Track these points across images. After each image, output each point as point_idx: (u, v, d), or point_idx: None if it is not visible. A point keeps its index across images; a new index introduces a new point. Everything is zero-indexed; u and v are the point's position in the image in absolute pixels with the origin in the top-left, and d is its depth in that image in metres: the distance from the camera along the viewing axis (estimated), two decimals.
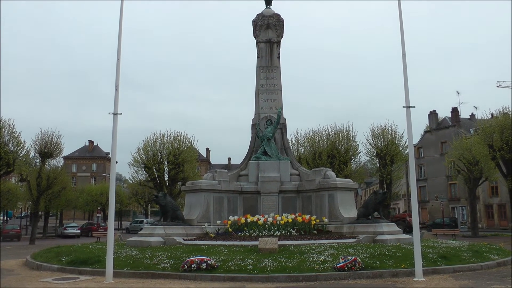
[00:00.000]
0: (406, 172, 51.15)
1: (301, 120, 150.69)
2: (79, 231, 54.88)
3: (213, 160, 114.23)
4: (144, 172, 45.65)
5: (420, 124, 77.36)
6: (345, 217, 22.42)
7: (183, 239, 20.56)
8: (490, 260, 17.12)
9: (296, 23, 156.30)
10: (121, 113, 14.97)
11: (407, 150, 29.00)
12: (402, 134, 43.01)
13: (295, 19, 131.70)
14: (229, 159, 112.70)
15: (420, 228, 17.25)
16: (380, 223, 21.12)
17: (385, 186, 43.41)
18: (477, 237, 38.84)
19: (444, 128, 71.20)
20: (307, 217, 22.33)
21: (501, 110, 40.57)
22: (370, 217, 21.74)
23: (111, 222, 15.11)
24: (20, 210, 78.52)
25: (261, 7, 28.14)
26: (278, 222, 21.93)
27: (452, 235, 32.15)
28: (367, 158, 47.17)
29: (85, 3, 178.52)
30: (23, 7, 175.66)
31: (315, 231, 21.81)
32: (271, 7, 28.07)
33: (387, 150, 42.80)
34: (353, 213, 23.02)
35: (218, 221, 23.16)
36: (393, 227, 21.99)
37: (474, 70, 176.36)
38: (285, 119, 26.78)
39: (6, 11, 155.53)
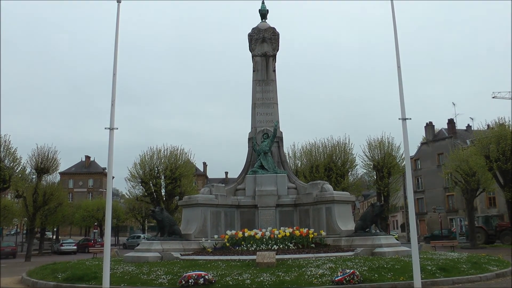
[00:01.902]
0: (404, 184, 51.10)
1: (298, 133, 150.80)
2: (75, 247, 54.57)
3: (210, 174, 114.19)
4: (141, 187, 45.57)
5: (417, 136, 77.69)
6: (343, 230, 22.31)
7: (181, 254, 20.44)
8: (489, 272, 17.04)
9: (292, 37, 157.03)
10: (117, 128, 14.89)
11: (404, 162, 29.07)
12: (399, 146, 43.05)
13: (290, 33, 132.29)
14: (226, 173, 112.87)
15: None
16: (378, 236, 21.04)
17: (382, 199, 43.38)
18: (476, 249, 38.72)
19: (441, 139, 71.37)
20: (304, 230, 22.21)
21: (497, 121, 40.71)
22: (367, 229, 21.66)
23: (108, 238, 14.95)
24: (16, 227, 78.12)
25: (256, 21, 28.26)
26: (275, 236, 21.81)
27: (451, 247, 32.02)
28: (364, 171, 47.22)
29: (81, 19, 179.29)
30: (21, 22, 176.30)
31: (313, 245, 21.69)
32: (266, 20, 28.16)
33: (384, 162, 42.82)
34: (351, 226, 22.94)
35: (216, 236, 23.03)
36: (391, 239, 21.91)
37: (469, 81, 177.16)
38: (281, 132, 26.76)
39: (4, 24, 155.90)
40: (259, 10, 28.38)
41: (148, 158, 44.95)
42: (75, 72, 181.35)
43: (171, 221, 22.51)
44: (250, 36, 27.55)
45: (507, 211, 42.25)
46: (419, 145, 76.24)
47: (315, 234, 22.39)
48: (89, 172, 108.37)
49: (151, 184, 44.58)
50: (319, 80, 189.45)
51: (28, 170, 43.00)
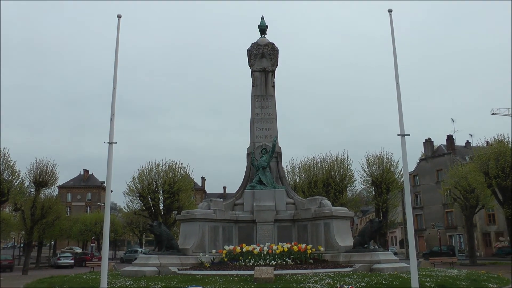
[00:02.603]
0: (402, 200, 51.06)
1: (297, 148, 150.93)
2: (72, 261, 54.38)
3: (209, 189, 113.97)
4: (139, 201, 45.54)
5: (416, 152, 77.70)
6: (341, 245, 22.22)
7: (178, 268, 20.33)
8: None
9: (291, 51, 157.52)
10: (116, 142, 14.89)
11: (403, 178, 29.01)
12: (398, 162, 43.08)
13: (289, 48, 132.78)
14: (225, 188, 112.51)
15: None
16: (376, 252, 20.96)
17: (381, 214, 43.30)
18: (475, 266, 38.57)
19: (440, 155, 71.40)
20: (303, 246, 22.12)
21: (496, 137, 40.74)
22: (366, 245, 21.60)
23: (105, 252, 14.91)
24: (13, 240, 77.94)
25: (256, 36, 28.33)
26: (273, 251, 21.71)
27: (450, 264, 31.89)
28: (363, 186, 47.18)
29: (82, 33, 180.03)
30: (20, 36, 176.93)
31: (311, 260, 21.60)
32: (266, 36, 28.24)
33: (383, 178, 42.80)
34: (349, 241, 22.85)
35: (213, 251, 22.92)
36: (390, 255, 21.82)
37: (468, 97, 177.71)
38: (280, 147, 26.73)
39: (4, 38, 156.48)
40: (259, 26, 28.48)
41: (146, 173, 44.96)
42: (74, 85, 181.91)
43: (169, 235, 22.43)
44: (250, 51, 27.62)
45: (507, 228, 42.16)
46: (418, 161, 76.23)
47: (313, 249, 22.29)
48: (87, 186, 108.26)
49: (149, 198, 44.53)
50: (318, 96, 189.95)
51: (26, 183, 42.95)
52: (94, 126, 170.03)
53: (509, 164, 37.86)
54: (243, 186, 26.18)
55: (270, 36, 28.29)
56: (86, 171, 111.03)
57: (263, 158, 25.65)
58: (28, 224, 43.57)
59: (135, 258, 25.62)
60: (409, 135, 15.34)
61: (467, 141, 74.30)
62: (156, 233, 22.07)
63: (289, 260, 21.23)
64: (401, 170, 42.20)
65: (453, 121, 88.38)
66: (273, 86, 27.38)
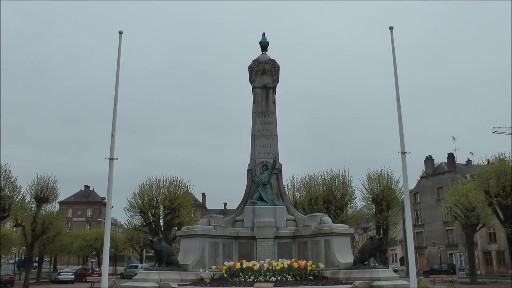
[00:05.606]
0: (403, 218, 50.97)
1: (297, 165, 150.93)
2: (73, 276, 54.30)
3: (209, 205, 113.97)
4: (139, 217, 45.50)
5: (416, 169, 77.77)
6: (341, 262, 22.18)
7: (178, 284, 20.32)
8: None
9: (291, 68, 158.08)
10: (117, 158, 15.01)
11: (403, 196, 29.08)
12: (398, 179, 43.06)
13: (290, 64, 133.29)
14: (225, 204, 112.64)
15: None
16: (376, 269, 20.93)
17: (381, 232, 43.23)
18: (475, 284, 38.45)
19: (440, 173, 71.41)
20: (303, 262, 22.09)
21: (497, 156, 40.77)
22: (366, 262, 21.57)
23: (106, 267, 14.97)
24: (14, 256, 77.81)
25: (257, 52, 28.44)
26: (273, 267, 21.68)
27: (450, 282, 31.81)
28: (363, 204, 47.13)
29: (83, 49, 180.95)
30: (22, 51, 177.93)
31: (311, 277, 21.56)
32: (267, 53, 28.37)
33: (383, 195, 42.78)
34: (349, 258, 22.81)
35: (213, 267, 22.88)
36: (390, 272, 21.77)
37: (470, 115, 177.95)
38: (280, 164, 26.76)
39: (5, 53, 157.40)
40: (260, 42, 28.61)
41: (147, 188, 44.97)
42: (75, 101, 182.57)
43: (169, 251, 22.43)
44: (251, 68, 27.72)
45: (508, 247, 42.03)
46: (419, 178, 76.23)
47: (314, 266, 22.25)
48: (88, 201, 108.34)
49: (149, 214, 44.51)
50: (319, 113, 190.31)
51: (27, 199, 43.02)
52: (95, 142, 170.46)
53: (510, 183, 37.86)
54: (244, 202, 26.18)
55: (271, 53, 28.43)
56: (87, 187, 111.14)
57: (264, 174, 25.68)
58: (29, 239, 43.59)
59: (136, 274, 25.60)
60: (410, 152, 15.49)
61: (468, 159, 74.34)
62: (156, 249, 22.06)
63: (289, 277, 21.18)
64: (401, 187, 42.19)
65: (454, 139, 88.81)
66: (274, 103, 27.47)
